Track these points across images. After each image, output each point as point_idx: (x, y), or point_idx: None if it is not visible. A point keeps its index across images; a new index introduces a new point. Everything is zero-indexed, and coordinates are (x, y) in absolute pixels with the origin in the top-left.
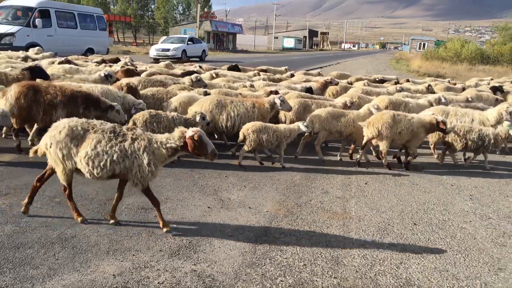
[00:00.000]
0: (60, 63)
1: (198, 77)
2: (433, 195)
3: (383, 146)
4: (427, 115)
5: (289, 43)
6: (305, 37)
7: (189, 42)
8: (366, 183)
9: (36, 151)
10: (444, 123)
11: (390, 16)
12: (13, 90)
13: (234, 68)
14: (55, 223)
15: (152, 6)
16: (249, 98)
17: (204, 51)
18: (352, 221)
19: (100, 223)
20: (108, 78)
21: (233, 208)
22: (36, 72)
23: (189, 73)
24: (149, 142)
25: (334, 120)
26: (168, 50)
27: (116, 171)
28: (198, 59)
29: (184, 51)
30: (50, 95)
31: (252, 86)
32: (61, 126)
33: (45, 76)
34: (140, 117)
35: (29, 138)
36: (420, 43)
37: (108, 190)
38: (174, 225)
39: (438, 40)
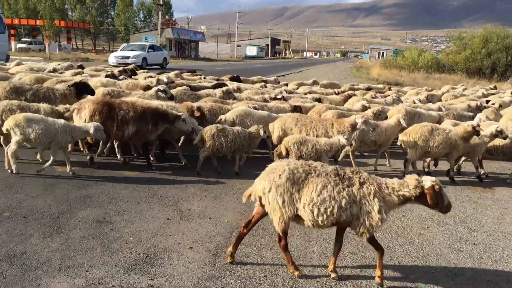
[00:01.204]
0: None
1: (229, 90)
2: None
3: (411, 155)
4: (461, 125)
5: (252, 51)
6: (267, 45)
7: (149, 50)
8: None
9: (249, 196)
10: (478, 125)
11: (351, 25)
12: (88, 108)
13: (236, 78)
14: (3, 239)
15: (112, 13)
16: (328, 118)
17: (165, 58)
18: (313, 230)
19: (52, 238)
20: (163, 94)
21: (193, 219)
22: (82, 87)
23: (220, 85)
24: (379, 187)
25: None
26: (128, 57)
27: (341, 219)
28: (159, 67)
29: (144, 58)
30: (123, 111)
31: (283, 98)
32: (280, 169)
33: (90, 91)
34: (208, 131)
35: (98, 152)
36: (379, 52)
37: (61, 203)
38: (131, 238)
39: (396, 49)
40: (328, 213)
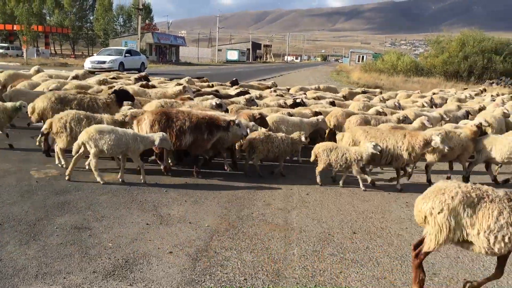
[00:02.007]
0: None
1: (252, 97)
2: (372, 203)
3: (431, 159)
4: (466, 126)
5: (233, 55)
6: (248, 49)
7: (126, 54)
8: (307, 194)
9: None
10: (481, 124)
11: (331, 30)
12: (147, 119)
13: (235, 82)
14: None
15: (91, 18)
16: (400, 130)
17: (143, 63)
18: (294, 232)
19: (29, 245)
20: (219, 108)
21: (173, 224)
22: (122, 95)
23: (243, 93)
24: None
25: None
26: (104, 62)
27: None
28: (136, 72)
29: (121, 63)
30: (180, 121)
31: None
32: (452, 191)
33: (130, 98)
34: (257, 137)
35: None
36: (359, 56)
37: (38, 210)
38: (110, 244)
39: (376, 53)
40: (506, 240)
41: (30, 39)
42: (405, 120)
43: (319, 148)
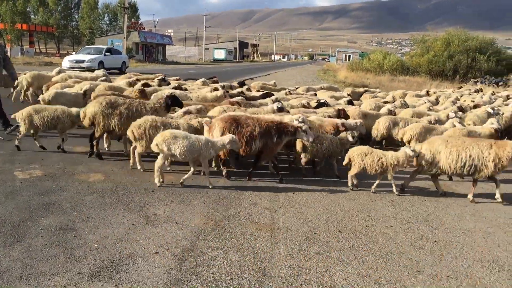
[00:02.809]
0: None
1: (278, 98)
2: (357, 202)
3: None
4: (485, 128)
5: (220, 54)
6: (235, 48)
7: (106, 53)
8: (293, 193)
9: None
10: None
11: (318, 29)
12: (218, 126)
13: (243, 84)
14: None
15: (76, 16)
16: (486, 139)
17: (124, 62)
18: (280, 231)
19: (13, 246)
20: (281, 111)
21: (159, 224)
22: (172, 101)
23: (268, 95)
24: None
25: (428, 134)
26: (82, 61)
27: None
28: (118, 72)
29: (101, 62)
30: (250, 127)
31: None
32: None
33: (179, 104)
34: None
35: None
36: (345, 55)
37: (22, 211)
38: (95, 245)
39: (362, 52)
40: None
41: (14, 38)
42: (437, 122)
43: (354, 152)
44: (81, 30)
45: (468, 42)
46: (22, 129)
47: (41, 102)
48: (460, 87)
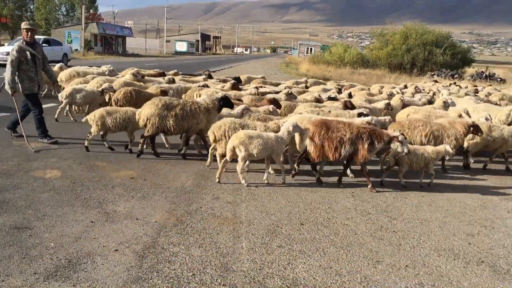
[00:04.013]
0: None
1: (290, 91)
2: (319, 194)
3: (472, 148)
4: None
5: (182, 46)
6: (197, 41)
7: (44, 44)
8: (256, 187)
9: None
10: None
11: (280, 21)
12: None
13: (238, 79)
14: None
15: (32, 7)
16: None
17: (65, 54)
18: (242, 225)
19: None
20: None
21: (119, 221)
22: (224, 101)
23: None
24: None
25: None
26: None
27: None
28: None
29: None
30: (340, 132)
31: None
32: None
33: (231, 105)
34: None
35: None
36: (307, 48)
37: None
38: (52, 244)
39: (324, 45)
40: None
41: None
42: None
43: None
44: (37, 21)
45: (425, 35)
46: (94, 130)
47: (60, 99)
48: (435, 81)
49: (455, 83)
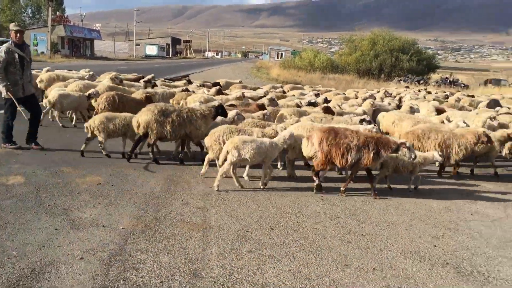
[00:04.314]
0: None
1: (273, 97)
2: (289, 198)
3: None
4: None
5: (152, 50)
6: (168, 44)
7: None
8: (227, 192)
9: None
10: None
11: (251, 26)
12: (315, 135)
13: (218, 84)
14: None
15: None
16: None
17: None
18: (212, 231)
19: None
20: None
21: (84, 228)
22: (220, 110)
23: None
24: None
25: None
26: None
27: None
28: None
29: None
30: (348, 139)
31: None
32: None
33: (225, 114)
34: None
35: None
36: (278, 53)
37: None
38: (14, 253)
39: (294, 50)
40: None
41: None
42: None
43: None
44: (2, 23)
45: (392, 42)
46: (100, 138)
47: (45, 104)
48: (407, 87)
49: (425, 89)
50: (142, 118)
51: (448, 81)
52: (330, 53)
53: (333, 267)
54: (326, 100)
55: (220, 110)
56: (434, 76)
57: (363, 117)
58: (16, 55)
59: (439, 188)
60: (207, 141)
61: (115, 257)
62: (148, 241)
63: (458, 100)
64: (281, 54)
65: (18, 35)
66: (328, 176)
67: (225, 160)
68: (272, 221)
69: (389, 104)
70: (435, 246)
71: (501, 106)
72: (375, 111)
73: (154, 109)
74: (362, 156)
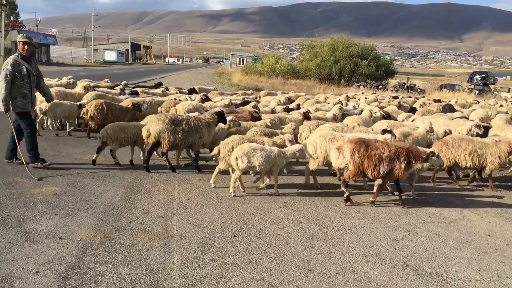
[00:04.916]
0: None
1: (256, 104)
2: (252, 205)
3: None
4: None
5: (111, 56)
6: (127, 50)
7: None
8: (188, 199)
9: None
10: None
11: (212, 32)
12: (347, 147)
13: (193, 91)
14: None
15: None
16: None
17: None
18: (174, 240)
19: None
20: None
21: (40, 240)
22: (221, 116)
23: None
24: None
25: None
26: None
27: None
28: None
29: None
30: (379, 150)
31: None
32: None
33: (224, 121)
34: None
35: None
36: (239, 58)
37: None
38: None
39: (256, 56)
40: None
41: None
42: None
43: None
44: None
45: (351, 48)
46: (112, 146)
47: (38, 112)
48: (374, 93)
49: (395, 96)
50: (153, 127)
51: (406, 86)
52: (291, 59)
53: (296, 273)
54: (298, 107)
55: (220, 117)
56: (392, 82)
57: (384, 126)
58: (24, 68)
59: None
60: (218, 151)
61: (73, 270)
62: (107, 252)
63: (424, 104)
64: (243, 59)
65: (26, 47)
66: (292, 183)
67: (232, 164)
68: (235, 228)
69: (355, 108)
70: (395, 248)
71: (455, 111)
72: (343, 115)
73: (164, 119)
74: (394, 167)
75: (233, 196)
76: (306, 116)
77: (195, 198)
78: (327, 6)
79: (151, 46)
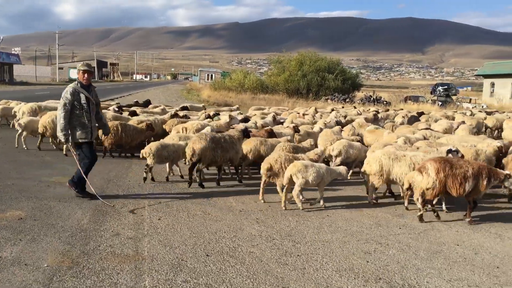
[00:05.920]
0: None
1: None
2: (224, 222)
3: None
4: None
5: (76, 74)
6: (93, 67)
7: None
8: (159, 219)
9: None
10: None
11: (180, 48)
12: (431, 166)
13: (185, 108)
14: None
15: None
16: None
17: None
18: (145, 262)
19: None
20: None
21: (4, 268)
22: (245, 133)
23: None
24: None
25: None
26: None
27: None
28: None
29: None
30: (463, 168)
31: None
32: None
33: (248, 135)
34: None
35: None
36: (208, 74)
37: None
38: None
39: (224, 72)
40: None
41: None
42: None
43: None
44: None
45: (318, 62)
46: (150, 162)
47: (17, 127)
48: (354, 107)
49: (372, 109)
50: (197, 146)
51: (372, 99)
52: (260, 74)
53: None
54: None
55: (245, 134)
56: (359, 95)
57: (449, 147)
58: (83, 96)
59: (369, 204)
60: (271, 166)
61: None
62: (75, 278)
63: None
64: (211, 75)
65: (86, 75)
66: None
67: (285, 182)
68: (208, 248)
69: (330, 121)
70: (368, 262)
71: (420, 121)
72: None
73: (206, 137)
74: (478, 184)
75: (301, 209)
76: (296, 130)
77: (166, 218)
78: (294, 21)
79: (118, 63)
